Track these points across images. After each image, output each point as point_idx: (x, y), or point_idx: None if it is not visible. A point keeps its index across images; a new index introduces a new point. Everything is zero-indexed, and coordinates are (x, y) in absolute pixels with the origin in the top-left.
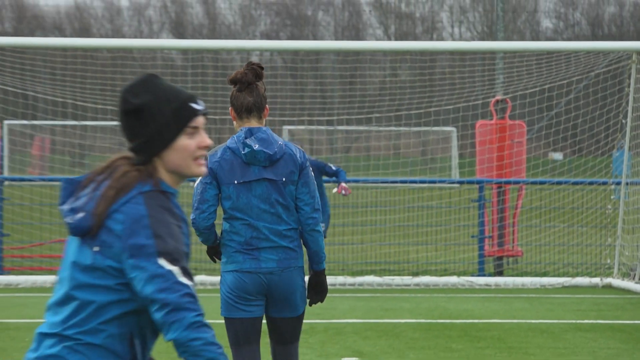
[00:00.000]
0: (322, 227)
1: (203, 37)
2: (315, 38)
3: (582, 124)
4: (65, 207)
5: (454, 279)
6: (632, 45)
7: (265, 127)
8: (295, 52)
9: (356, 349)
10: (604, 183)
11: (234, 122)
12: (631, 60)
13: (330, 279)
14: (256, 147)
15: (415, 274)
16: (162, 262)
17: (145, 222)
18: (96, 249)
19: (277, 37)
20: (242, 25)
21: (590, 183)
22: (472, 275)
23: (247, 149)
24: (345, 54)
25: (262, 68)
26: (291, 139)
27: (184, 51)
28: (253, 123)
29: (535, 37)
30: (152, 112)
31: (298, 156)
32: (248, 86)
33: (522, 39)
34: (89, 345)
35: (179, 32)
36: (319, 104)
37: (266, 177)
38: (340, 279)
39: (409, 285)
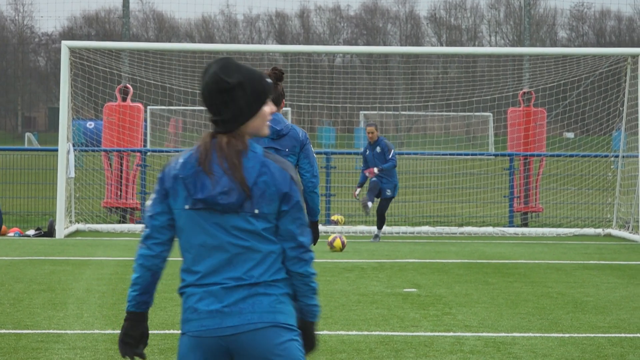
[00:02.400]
0: (318, 189)
1: (299, 43)
2: (384, 44)
3: (589, 110)
4: (214, 193)
5: (490, 229)
6: (627, 50)
7: (278, 113)
8: (370, 55)
9: (415, 282)
10: (606, 156)
11: None
12: (627, 62)
13: (394, 228)
14: (278, 127)
15: (460, 225)
16: None
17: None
18: (256, 211)
19: (356, 43)
20: (329, 34)
21: (595, 156)
22: (504, 226)
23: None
24: (408, 56)
25: (282, 72)
26: (366, 121)
27: (285, 54)
28: None
29: (553, 44)
30: (244, 88)
31: (300, 135)
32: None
33: (543, 45)
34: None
35: (281, 39)
36: (387, 94)
37: (272, 147)
38: (403, 228)
39: (455, 233)
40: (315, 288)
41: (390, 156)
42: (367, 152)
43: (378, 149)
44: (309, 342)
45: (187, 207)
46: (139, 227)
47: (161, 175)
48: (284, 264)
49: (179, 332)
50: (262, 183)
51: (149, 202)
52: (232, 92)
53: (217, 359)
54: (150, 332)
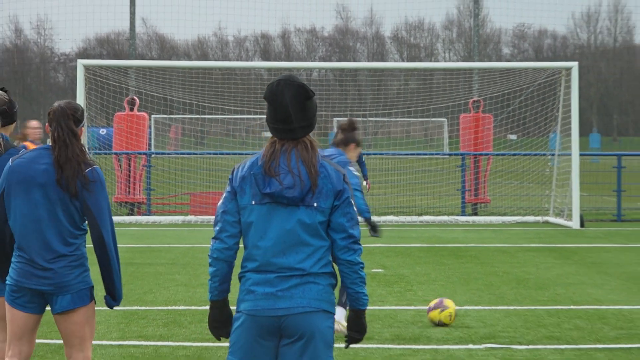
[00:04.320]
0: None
1: (281, 60)
2: (354, 60)
3: (529, 115)
4: (280, 188)
5: (445, 218)
6: (562, 64)
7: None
8: (342, 70)
9: (381, 263)
10: (544, 155)
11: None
12: (561, 74)
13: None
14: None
15: (420, 214)
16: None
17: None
18: (315, 204)
19: (330, 60)
20: (307, 52)
21: (535, 155)
22: (457, 215)
23: None
24: (374, 71)
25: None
26: (338, 126)
27: (269, 69)
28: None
29: (499, 59)
30: (315, 102)
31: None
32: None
33: (490, 60)
34: None
35: (265, 57)
36: (357, 103)
37: None
38: (372, 217)
39: (415, 221)
40: (364, 277)
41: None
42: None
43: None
44: (360, 328)
45: (254, 202)
46: (144, 219)
47: (231, 177)
48: (333, 255)
49: (180, 307)
50: (320, 181)
51: (220, 202)
52: (312, 103)
53: (268, 334)
54: (155, 308)
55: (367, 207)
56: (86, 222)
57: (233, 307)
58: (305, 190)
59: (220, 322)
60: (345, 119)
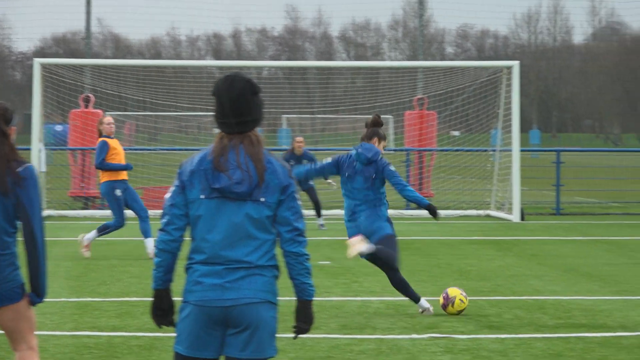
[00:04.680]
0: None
1: (233, 59)
2: (303, 59)
3: (472, 112)
4: (229, 183)
5: (390, 211)
6: (503, 63)
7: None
8: (291, 68)
9: (328, 255)
10: (485, 151)
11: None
12: (502, 73)
13: (311, 212)
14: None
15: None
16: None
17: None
18: (262, 199)
19: (279, 59)
20: (257, 51)
21: (477, 150)
22: (402, 209)
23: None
24: (322, 69)
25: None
26: (287, 123)
27: (221, 68)
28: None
29: (442, 58)
30: (261, 98)
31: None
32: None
33: (434, 59)
34: None
35: (217, 56)
36: (305, 101)
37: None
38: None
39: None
40: (310, 268)
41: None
42: (292, 163)
43: (305, 161)
44: (307, 318)
45: (202, 196)
46: (98, 213)
47: (179, 171)
48: (281, 246)
49: (133, 299)
50: (267, 176)
51: (168, 195)
52: (258, 98)
53: (215, 324)
54: (109, 299)
55: (420, 197)
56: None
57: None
58: (253, 186)
59: (162, 310)
60: (294, 116)
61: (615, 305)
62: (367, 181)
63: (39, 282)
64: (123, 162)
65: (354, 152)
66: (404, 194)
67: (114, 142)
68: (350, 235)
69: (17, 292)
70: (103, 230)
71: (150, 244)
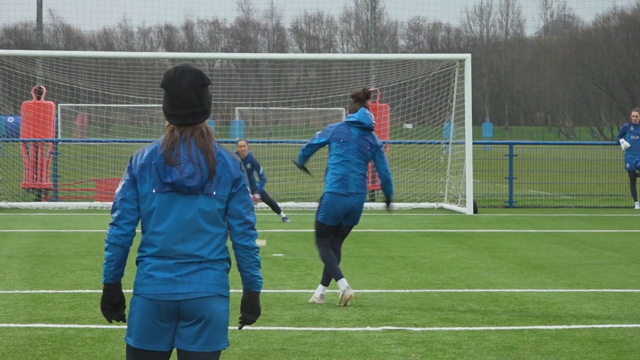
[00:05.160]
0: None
1: (185, 51)
2: (255, 51)
3: (425, 105)
4: (181, 177)
5: None
6: (455, 56)
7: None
8: (243, 60)
9: (282, 248)
10: (438, 143)
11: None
12: (455, 65)
13: (264, 204)
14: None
15: (318, 200)
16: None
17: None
18: (214, 193)
19: (232, 51)
20: (209, 43)
21: (430, 143)
22: None
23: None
24: (275, 61)
25: (370, 91)
26: (240, 115)
27: (173, 60)
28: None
29: (395, 51)
30: (210, 91)
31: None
32: (359, 100)
33: (387, 51)
34: None
35: (169, 48)
36: (258, 93)
37: (355, 142)
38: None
39: (314, 208)
40: (259, 261)
41: (261, 172)
42: None
43: (249, 165)
44: (254, 310)
45: (154, 191)
46: (51, 205)
47: (129, 165)
48: (232, 239)
49: (86, 291)
50: (219, 169)
51: (118, 189)
52: (208, 90)
53: (166, 317)
54: (62, 291)
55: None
56: None
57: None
58: (205, 179)
59: (112, 304)
60: (247, 108)
61: (568, 298)
62: (360, 152)
63: None
64: None
65: (352, 118)
66: (388, 179)
67: None
68: (339, 204)
69: None
70: None
71: None
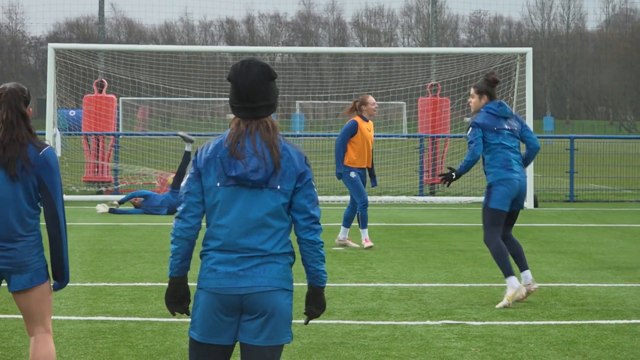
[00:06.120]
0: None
1: (246, 45)
2: (316, 45)
3: None
4: (245, 171)
5: (403, 197)
6: (516, 50)
7: None
8: (304, 54)
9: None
10: None
11: (482, 101)
12: (516, 59)
13: (324, 197)
14: (507, 106)
15: (380, 194)
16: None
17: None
18: (278, 187)
19: (293, 45)
20: (270, 37)
21: None
22: (415, 195)
23: (502, 107)
24: (336, 55)
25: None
26: (301, 108)
27: (234, 54)
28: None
29: (456, 45)
30: (276, 84)
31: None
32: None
33: (447, 45)
34: None
35: (230, 41)
36: (319, 87)
37: (505, 127)
38: (332, 197)
39: (375, 201)
40: (324, 256)
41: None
42: None
43: None
44: (319, 304)
45: (218, 184)
46: (112, 197)
47: (195, 158)
48: (296, 233)
49: (146, 284)
50: (284, 163)
51: (184, 182)
52: (274, 84)
53: (230, 311)
54: (123, 284)
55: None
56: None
57: (192, 284)
58: (269, 173)
59: (177, 297)
60: (308, 102)
61: (629, 293)
62: (514, 135)
63: (63, 266)
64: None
65: (491, 105)
66: (536, 149)
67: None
68: (515, 188)
69: (44, 273)
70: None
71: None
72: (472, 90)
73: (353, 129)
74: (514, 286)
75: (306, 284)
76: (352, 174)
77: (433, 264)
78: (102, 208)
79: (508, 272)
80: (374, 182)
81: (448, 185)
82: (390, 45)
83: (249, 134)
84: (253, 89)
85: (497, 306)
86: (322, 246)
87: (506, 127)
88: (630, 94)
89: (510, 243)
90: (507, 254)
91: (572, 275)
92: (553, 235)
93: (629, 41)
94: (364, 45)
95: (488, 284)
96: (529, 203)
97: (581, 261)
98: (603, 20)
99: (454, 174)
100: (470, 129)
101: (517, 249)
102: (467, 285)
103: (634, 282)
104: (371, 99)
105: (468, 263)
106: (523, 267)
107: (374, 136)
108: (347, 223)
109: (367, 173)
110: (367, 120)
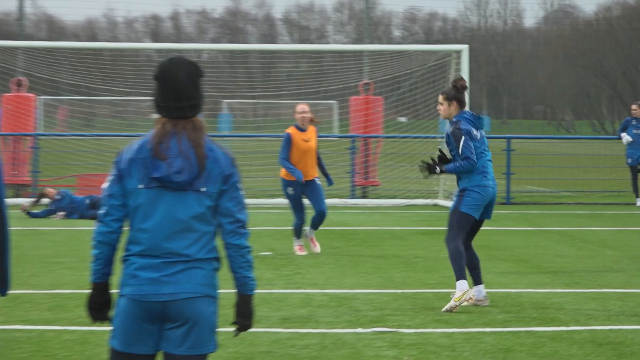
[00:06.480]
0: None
1: (171, 42)
2: (245, 42)
3: (420, 98)
4: (169, 172)
5: (335, 200)
6: (452, 47)
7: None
8: (232, 51)
9: (270, 246)
10: (433, 137)
11: (450, 108)
12: (451, 57)
13: (253, 200)
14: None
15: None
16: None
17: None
18: (203, 189)
19: (220, 41)
20: (197, 34)
21: (424, 137)
22: (347, 198)
23: (479, 119)
24: (265, 52)
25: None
26: (228, 108)
27: (159, 51)
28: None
29: (389, 42)
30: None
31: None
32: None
33: (381, 42)
34: None
35: (155, 38)
36: (247, 85)
37: (482, 134)
38: (260, 200)
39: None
40: (251, 261)
41: None
42: None
43: None
44: (248, 314)
45: (141, 186)
46: (29, 201)
47: (117, 159)
48: (222, 238)
49: (66, 291)
50: (209, 165)
51: (105, 184)
52: (201, 82)
53: (152, 318)
54: (41, 291)
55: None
56: None
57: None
58: (194, 175)
59: (99, 304)
60: (235, 101)
61: (566, 298)
62: (485, 143)
63: (6, 270)
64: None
65: (467, 115)
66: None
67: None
68: (487, 196)
69: None
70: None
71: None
72: (440, 97)
73: (287, 143)
74: (463, 289)
75: (233, 291)
76: (289, 190)
77: (365, 269)
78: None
79: (460, 276)
80: (329, 182)
81: (425, 177)
82: (321, 42)
83: (174, 134)
84: (181, 87)
85: (443, 309)
86: (249, 251)
87: (482, 133)
88: (569, 92)
89: (469, 254)
90: (464, 257)
91: (508, 280)
92: (488, 239)
93: (568, 38)
94: (294, 42)
95: (421, 290)
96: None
97: (517, 266)
98: (541, 16)
99: (438, 168)
100: (463, 139)
101: (475, 261)
102: (400, 291)
103: (571, 287)
104: (299, 107)
105: (401, 268)
106: (478, 280)
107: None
108: (311, 227)
109: (314, 182)
110: (303, 130)
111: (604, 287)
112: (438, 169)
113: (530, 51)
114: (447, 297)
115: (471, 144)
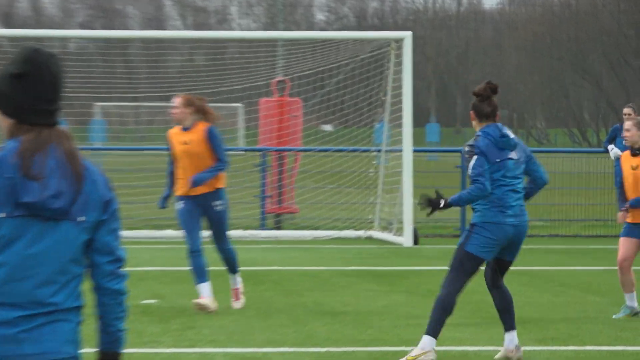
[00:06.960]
0: None
1: (29, 27)
2: (124, 28)
3: (349, 100)
4: (42, 196)
5: (239, 232)
6: (391, 34)
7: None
8: (107, 40)
9: (155, 292)
10: (367, 151)
11: (473, 122)
12: (390, 47)
13: (134, 233)
14: (512, 136)
15: (205, 228)
16: None
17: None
18: (81, 218)
19: (92, 27)
20: (62, 17)
21: (355, 150)
22: (255, 229)
23: (504, 138)
24: (150, 41)
25: (497, 86)
26: (102, 113)
27: (13, 39)
28: (490, 123)
29: (310, 28)
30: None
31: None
32: (487, 99)
33: (299, 28)
34: None
35: (8, 22)
36: (127, 84)
37: (510, 157)
38: (144, 232)
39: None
40: (126, 311)
41: None
42: None
43: None
44: None
45: (2, 215)
46: None
47: None
48: (97, 281)
49: None
50: (87, 187)
51: None
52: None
53: None
54: None
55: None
56: None
57: None
58: (70, 200)
59: None
60: (111, 104)
61: (538, 358)
62: (518, 168)
63: None
64: None
65: (493, 132)
66: (542, 184)
67: None
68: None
69: None
70: None
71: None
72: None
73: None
74: (425, 348)
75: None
76: (178, 205)
77: (278, 322)
78: None
79: (432, 330)
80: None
81: (429, 215)
82: (223, 29)
83: (44, 145)
84: (57, 87)
85: None
86: (126, 298)
87: (511, 157)
88: (541, 93)
89: (499, 294)
90: (450, 314)
91: (464, 335)
92: (437, 281)
93: (539, 23)
94: (187, 28)
95: (351, 348)
96: (407, 238)
97: (476, 317)
98: None
99: (442, 200)
100: (475, 158)
101: (506, 302)
102: (324, 349)
103: (545, 344)
104: (174, 100)
105: (325, 320)
106: (509, 326)
107: None
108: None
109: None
110: (186, 129)
111: (587, 344)
112: (442, 202)
113: (492, 39)
114: (384, 358)
115: (486, 165)
